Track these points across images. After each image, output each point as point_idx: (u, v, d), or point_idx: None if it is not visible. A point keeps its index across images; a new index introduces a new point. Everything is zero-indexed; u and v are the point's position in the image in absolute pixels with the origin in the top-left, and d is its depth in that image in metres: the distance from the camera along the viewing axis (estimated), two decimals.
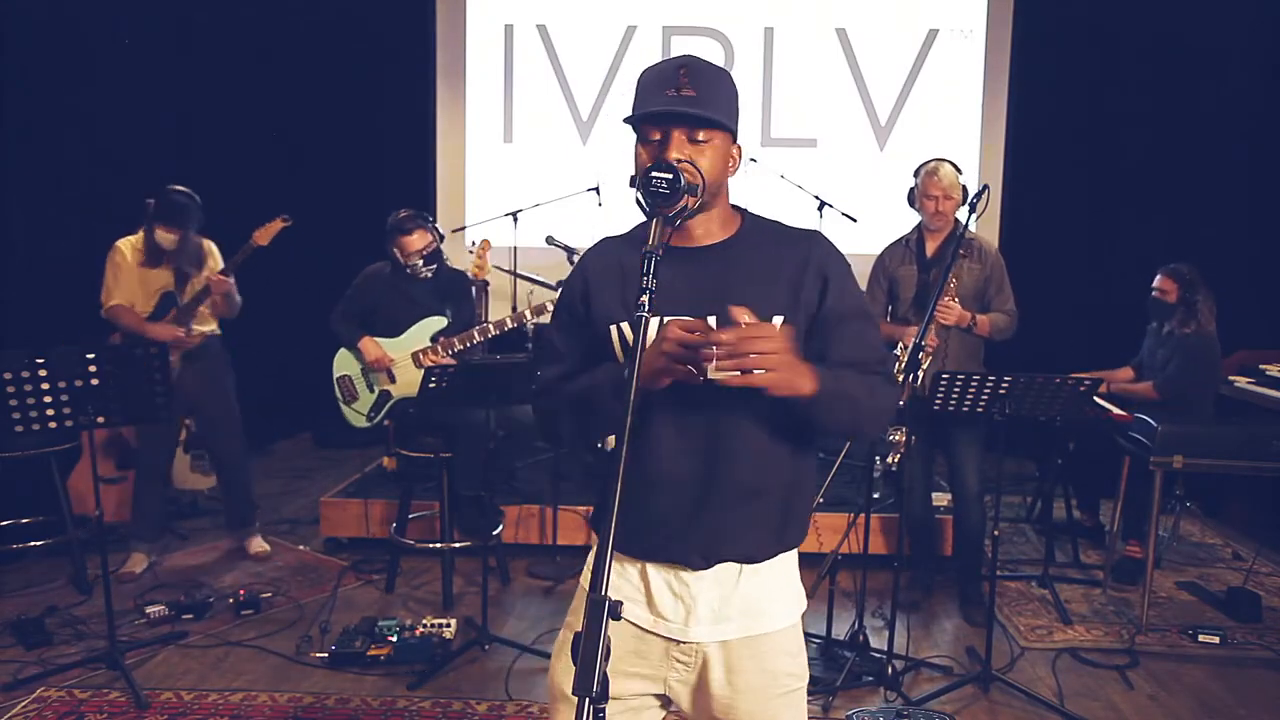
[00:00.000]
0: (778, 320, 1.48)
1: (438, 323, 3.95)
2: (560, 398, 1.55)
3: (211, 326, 4.03)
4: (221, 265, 4.01)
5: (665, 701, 1.59)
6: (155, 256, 3.88)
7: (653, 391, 1.39)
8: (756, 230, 1.55)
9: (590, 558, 1.62)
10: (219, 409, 4.07)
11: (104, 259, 3.91)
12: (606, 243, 1.61)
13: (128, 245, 3.91)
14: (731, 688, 1.52)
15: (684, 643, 1.51)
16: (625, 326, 1.51)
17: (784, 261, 1.50)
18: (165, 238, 3.85)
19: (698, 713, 1.56)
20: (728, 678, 1.52)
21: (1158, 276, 4.13)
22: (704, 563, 1.48)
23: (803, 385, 1.36)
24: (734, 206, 1.56)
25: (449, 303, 4.00)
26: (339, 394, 3.96)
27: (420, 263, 3.89)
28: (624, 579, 1.54)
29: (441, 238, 4.00)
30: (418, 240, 3.87)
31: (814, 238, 1.55)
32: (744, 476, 1.48)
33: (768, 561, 1.52)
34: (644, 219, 1.57)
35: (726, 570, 1.50)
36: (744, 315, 1.33)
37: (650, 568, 1.51)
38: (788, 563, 1.57)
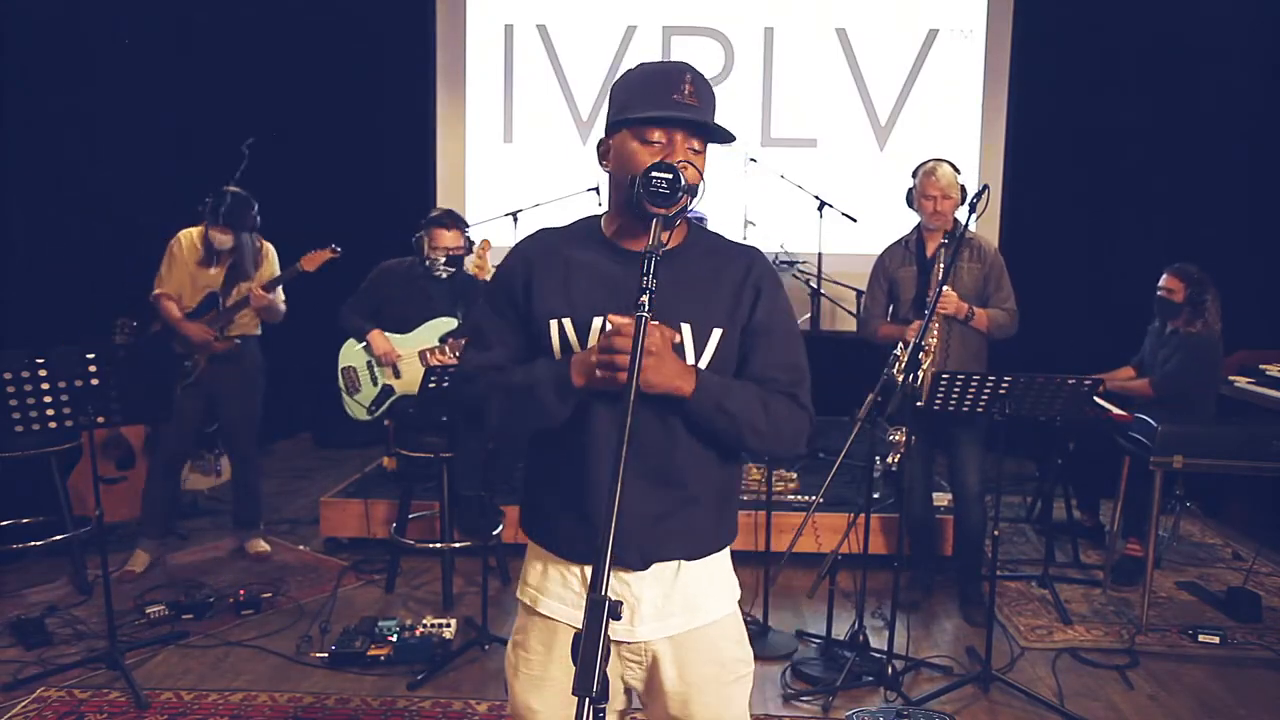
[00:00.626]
0: (717, 331, 1.49)
1: (448, 323, 3.97)
2: (491, 388, 1.51)
3: (250, 330, 4.05)
4: (276, 268, 4.05)
5: (629, 698, 1.60)
6: (211, 256, 3.92)
7: (594, 393, 1.41)
8: (701, 241, 1.57)
9: (525, 571, 1.60)
10: (241, 409, 4.09)
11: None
12: (546, 233, 1.59)
13: (188, 237, 3.94)
14: (684, 683, 1.52)
15: (632, 643, 1.51)
16: (566, 322, 1.49)
17: (725, 274, 1.52)
18: (219, 238, 3.88)
19: (655, 710, 1.57)
20: (679, 673, 1.52)
21: (1164, 276, 4.10)
22: (643, 563, 1.48)
23: (678, 384, 1.39)
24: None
25: (461, 306, 4.04)
26: (342, 384, 3.97)
27: (442, 260, 3.93)
28: (566, 587, 1.53)
29: (470, 247, 4.04)
30: (451, 239, 3.92)
31: (754, 254, 1.57)
32: (680, 480, 1.49)
33: (702, 559, 1.54)
34: (586, 216, 1.59)
35: (665, 568, 1.50)
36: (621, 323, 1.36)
37: (588, 570, 1.50)
38: (722, 558, 1.59)
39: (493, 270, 4.37)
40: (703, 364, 1.48)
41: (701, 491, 1.51)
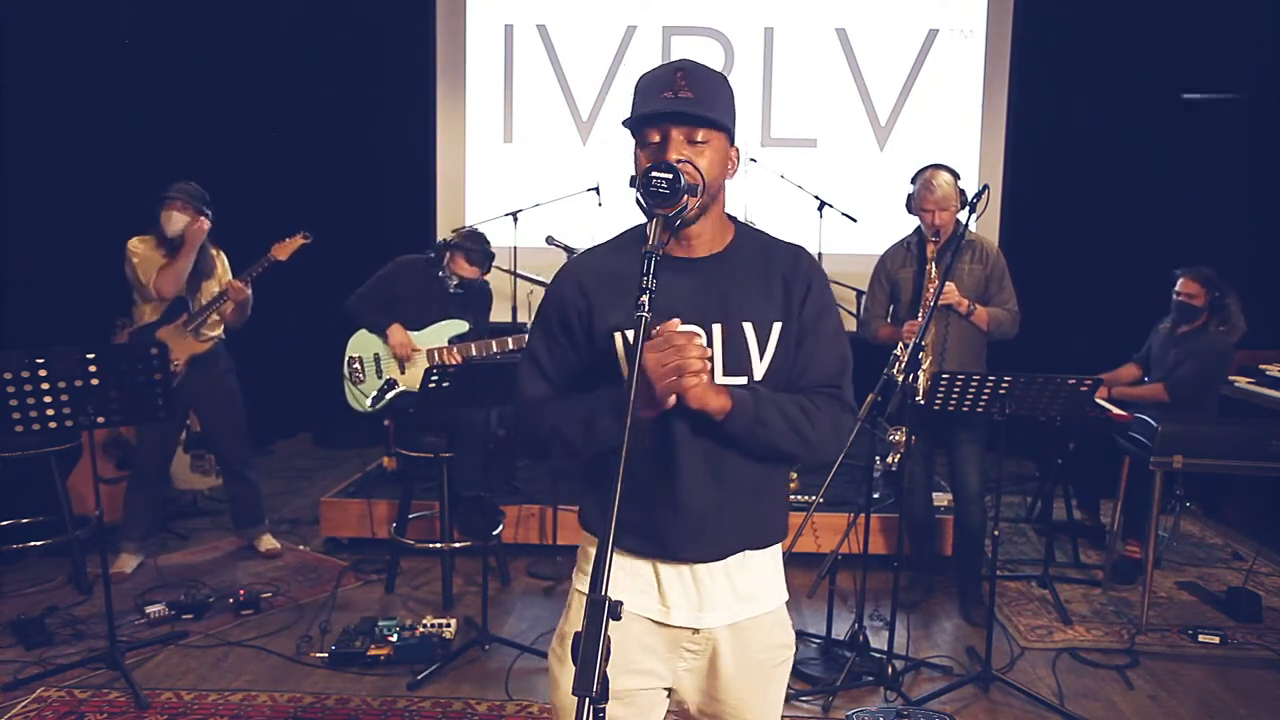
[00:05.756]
0: (777, 326, 1.51)
1: (458, 326, 4.01)
2: (551, 420, 1.52)
3: (218, 332, 4.03)
4: (230, 275, 4.00)
5: (670, 692, 1.62)
6: (169, 247, 3.84)
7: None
8: (749, 241, 1.57)
9: (580, 560, 1.63)
10: (225, 411, 4.07)
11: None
12: (594, 253, 1.60)
13: (143, 243, 3.87)
14: (737, 666, 1.57)
15: (697, 631, 1.55)
16: (630, 335, 1.50)
17: (776, 269, 1.53)
18: (176, 217, 3.79)
19: (700, 696, 1.61)
20: (736, 658, 1.57)
21: (1181, 280, 4.05)
22: (713, 555, 1.53)
23: (713, 401, 1.40)
24: (727, 215, 1.57)
25: (471, 310, 4.07)
26: (346, 373, 3.98)
27: (455, 280, 4.05)
28: (634, 574, 1.55)
29: (485, 271, 4.12)
30: (470, 272, 4.04)
31: (802, 251, 1.59)
32: (740, 474, 1.52)
33: (763, 550, 1.59)
34: (628, 226, 1.60)
35: (732, 560, 1.55)
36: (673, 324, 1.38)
37: (661, 565, 1.54)
38: (777, 552, 1.64)
39: (493, 270, 4.40)
40: (766, 360, 1.50)
41: (760, 485, 1.55)
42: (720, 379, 1.49)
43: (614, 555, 1.55)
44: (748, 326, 1.49)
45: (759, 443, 1.46)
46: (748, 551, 1.56)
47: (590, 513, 1.63)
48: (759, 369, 1.50)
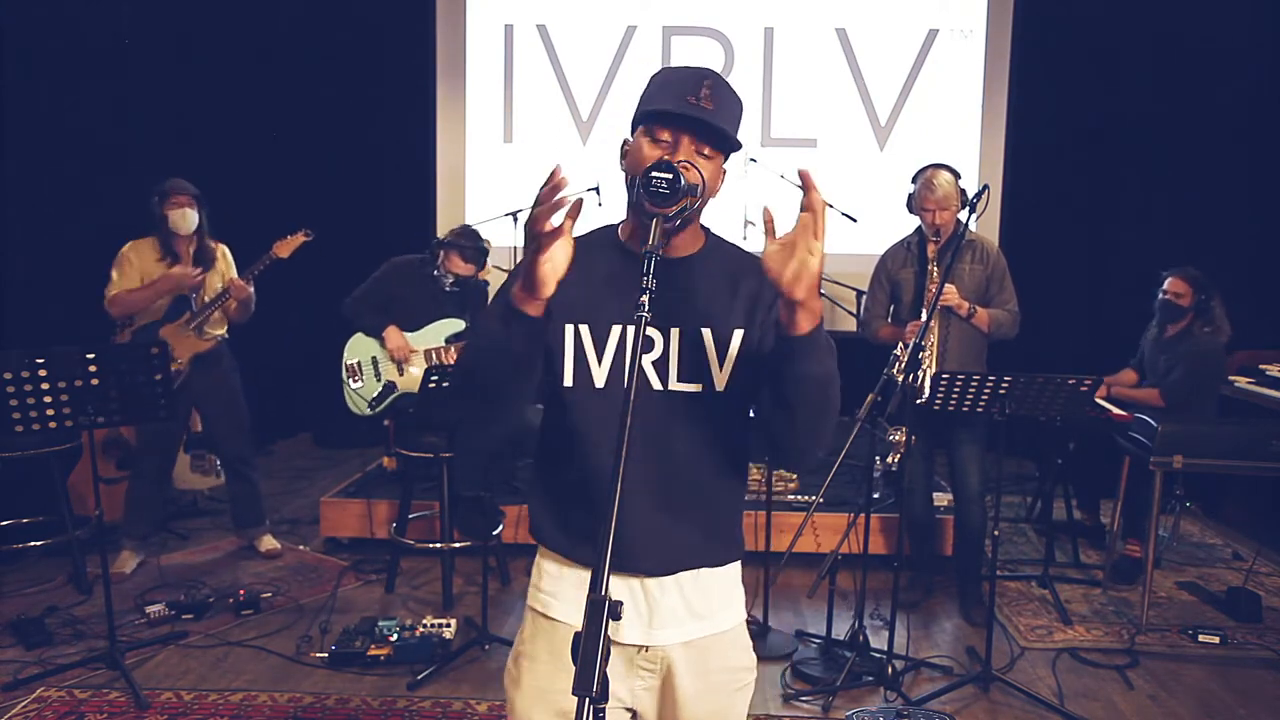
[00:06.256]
0: (738, 333, 1.47)
1: (454, 325, 4.01)
2: (463, 356, 1.47)
3: (221, 330, 4.02)
4: (234, 270, 4.00)
5: (634, 714, 1.58)
6: (171, 248, 3.83)
7: (609, 397, 1.37)
8: (720, 249, 1.55)
9: (535, 576, 1.58)
10: (228, 411, 4.06)
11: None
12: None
13: (140, 248, 3.86)
14: (695, 688, 1.52)
15: (648, 648, 1.51)
16: (584, 329, 1.47)
17: (745, 283, 1.50)
18: (185, 214, 3.78)
19: (658, 718, 1.55)
20: (692, 680, 1.52)
21: (1168, 280, 4.06)
22: (664, 570, 1.48)
23: (817, 301, 1.31)
24: (700, 226, 1.55)
25: (467, 309, 4.07)
26: (344, 377, 3.99)
27: (450, 279, 4.04)
28: (582, 591, 1.50)
29: (480, 268, 4.12)
30: (464, 269, 4.03)
31: None
32: (696, 489, 1.48)
33: (720, 567, 1.54)
34: (604, 224, 1.58)
35: (684, 575, 1.50)
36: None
37: (611, 577, 1.49)
38: (735, 569, 1.59)
39: (493, 270, 4.41)
40: (726, 367, 1.46)
41: (714, 501, 1.51)
42: (674, 385, 1.45)
43: (568, 569, 1.52)
44: (705, 332, 1.45)
45: (823, 370, 1.35)
46: (702, 569, 1.52)
47: (541, 523, 1.56)
48: (719, 378, 1.46)
